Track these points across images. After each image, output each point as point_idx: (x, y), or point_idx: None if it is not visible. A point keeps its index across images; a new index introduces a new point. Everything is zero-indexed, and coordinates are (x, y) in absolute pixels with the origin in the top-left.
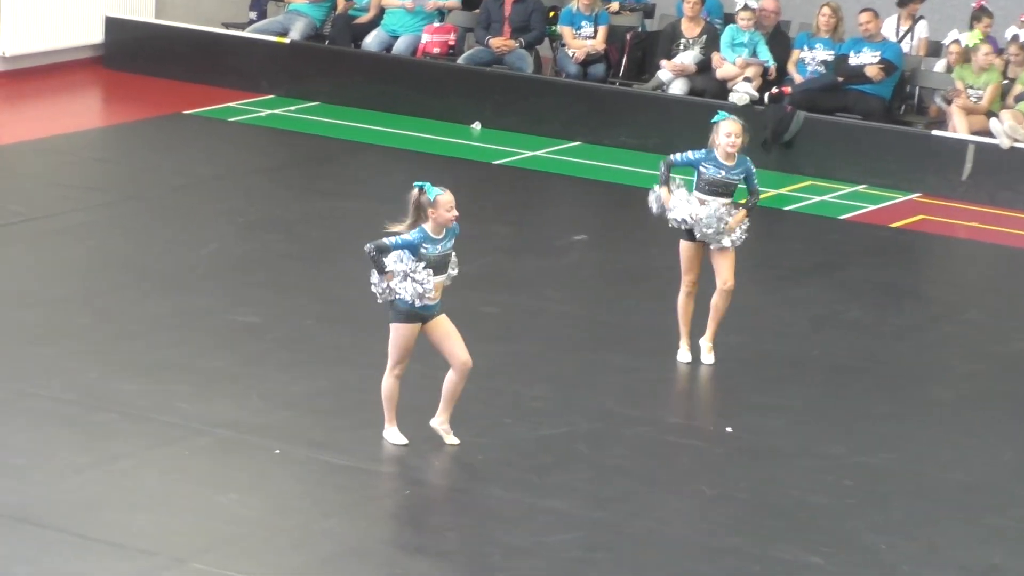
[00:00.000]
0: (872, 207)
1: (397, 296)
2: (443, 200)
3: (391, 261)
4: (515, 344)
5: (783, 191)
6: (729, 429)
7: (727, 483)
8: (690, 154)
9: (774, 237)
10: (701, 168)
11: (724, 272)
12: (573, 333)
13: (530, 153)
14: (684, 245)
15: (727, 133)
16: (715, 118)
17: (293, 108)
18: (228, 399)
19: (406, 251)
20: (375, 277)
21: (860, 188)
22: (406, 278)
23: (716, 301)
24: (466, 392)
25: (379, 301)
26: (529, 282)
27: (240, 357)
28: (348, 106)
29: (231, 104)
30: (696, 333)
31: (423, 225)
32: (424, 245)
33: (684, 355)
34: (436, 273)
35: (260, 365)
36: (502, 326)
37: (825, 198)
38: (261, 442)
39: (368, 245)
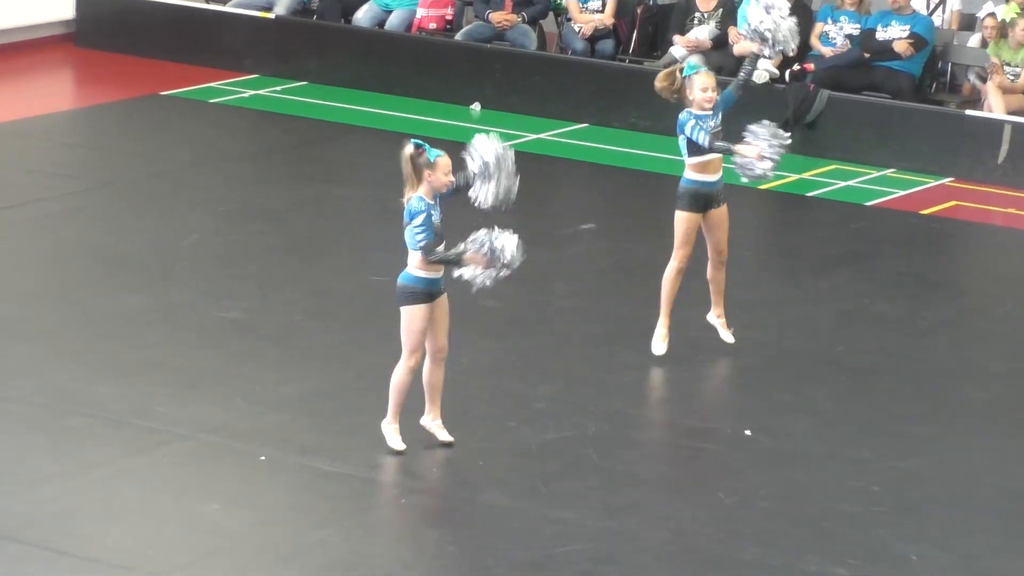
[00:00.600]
0: (901, 192)
1: (505, 270)
2: (443, 162)
3: (465, 245)
4: (520, 341)
5: (806, 176)
6: (748, 432)
7: (747, 490)
8: (686, 126)
9: (796, 225)
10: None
11: (721, 242)
12: (582, 329)
13: (534, 136)
14: (685, 216)
15: (703, 88)
16: (686, 71)
17: (279, 88)
18: (212, 401)
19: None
20: (467, 272)
21: (888, 172)
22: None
23: (714, 275)
24: (467, 393)
25: (487, 284)
26: (534, 274)
27: (224, 356)
28: (338, 86)
29: (212, 84)
30: (678, 315)
31: (419, 193)
32: (431, 213)
33: (659, 346)
34: (438, 243)
35: (246, 364)
36: (506, 322)
37: (851, 183)
38: (247, 448)
39: (430, 256)
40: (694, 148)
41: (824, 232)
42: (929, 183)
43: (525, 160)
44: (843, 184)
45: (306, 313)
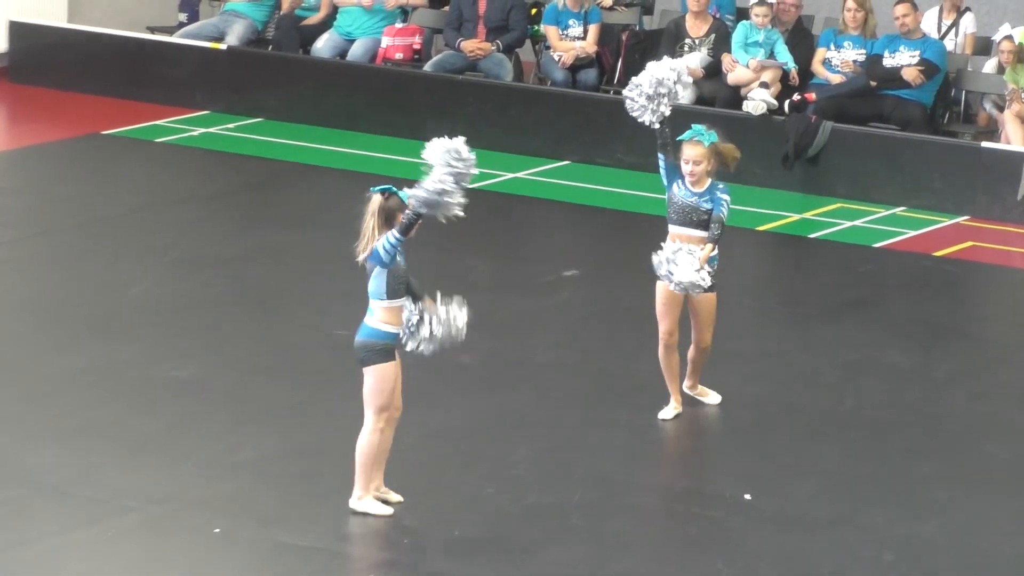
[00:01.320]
0: (913, 233)
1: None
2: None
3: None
4: (497, 399)
5: (808, 215)
6: (749, 496)
7: (747, 559)
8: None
9: (799, 269)
10: (674, 187)
11: (702, 331)
12: (565, 385)
13: (511, 175)
14: (657, 287)
15: (685, 160)
16: (681, 135)
17: (232, 126)
18: (159, 469)
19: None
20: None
21: (898, 211)
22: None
23: (694, 357)
24: (440, 457)
25: (404, 341)
26: (513, 326)
27: (172, 419)
28: (296, 122)
29: (158, 122)
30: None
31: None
32: (398, 255)
33: (667, 412)
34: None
35: (196, 428)
36: (482, 378)
37: (857, 223)
38: (199, 519)
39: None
40: (668, 209)
41: (829, 276)
42: (943, 222)
43: (502, 200)
44: (849, 224)
45: (262, 371)
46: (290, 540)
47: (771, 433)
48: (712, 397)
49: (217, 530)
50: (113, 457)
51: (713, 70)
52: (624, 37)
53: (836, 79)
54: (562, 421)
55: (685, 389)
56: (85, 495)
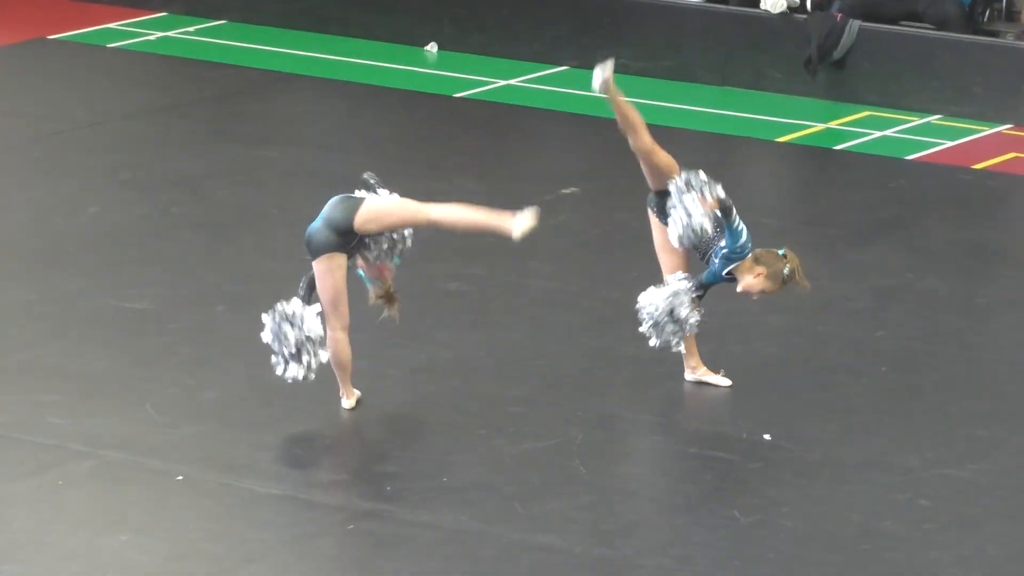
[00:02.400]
0: (950, 143)
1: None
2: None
3: None
4: (490, 332)
5: (834, 124)
6: (768, 436)
7: (767, 507)
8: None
9: (824, 185)
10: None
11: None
12: (564, 315)
13: (502, 82)
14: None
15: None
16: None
17: (192, 29)
18: (115, 411)
19: None
20: None
21: (934, 119)
22: None
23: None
24: (428, 396)
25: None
26: (506, 250)
27: (130, 356)
28: (264, 25)
29: (110, 25)
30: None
31: None
32: None
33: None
34: None
35: (157, 366)
36: (473, 308)
37: (888, 133)
38: (160, 467)
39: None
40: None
41: (858, 193)
42: (983, 131)
43: (492, 111)
44: (879, 134)
45: (229, 302)
46: (261, 489)
47: (794, 368)
48: (722, 379)
49: (180, 478)
50: (63, 398)
51: None
52: None
53: None
54: (561, 356)
55: (690, 374)
56: (32, 440)
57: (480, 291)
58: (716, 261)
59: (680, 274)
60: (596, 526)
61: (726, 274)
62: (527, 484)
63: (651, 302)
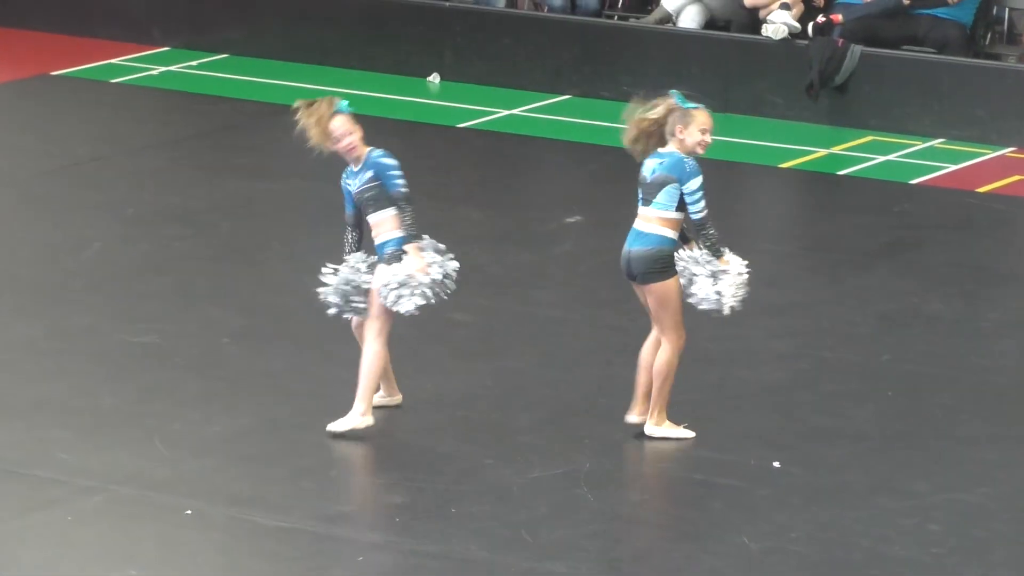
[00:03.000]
0: (953, 167)
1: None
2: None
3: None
4: (496, 361)
5: (837, 150)
6: (777, 464)
7: (776, 533)
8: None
9: (828, 210)
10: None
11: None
12: (570, 344)
13: (505, 112)
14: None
15: (703, 127)
16: (681, 101)
17: (194, 63)
18: (123, 446)
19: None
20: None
21: (936, 143)
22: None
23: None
24: (434, 425)
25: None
26: (511, 280)
27: (137, 390)
28: (265, 58)
29: (113, 61)
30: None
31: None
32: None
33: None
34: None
35: (163, 400)
36: (478, 338)
37: (891, 157)
38: (168, 500)
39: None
40: (683, 204)
41: (861, 218)
42: (986, 154)
43: (495, 140)
44: (882, 159)
45: (233, 335)
46: (269, 522)
47: (800, 393)
48: (683, 432)
49: (188, 512)
50: (71, 433)
51: None
52: None
53: None
54: (567, 384)
55: (635, 417)
56: (40, 475)
57: (486, 321)
58: None
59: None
60: (604, 554)
61: None
62: (535, 512)
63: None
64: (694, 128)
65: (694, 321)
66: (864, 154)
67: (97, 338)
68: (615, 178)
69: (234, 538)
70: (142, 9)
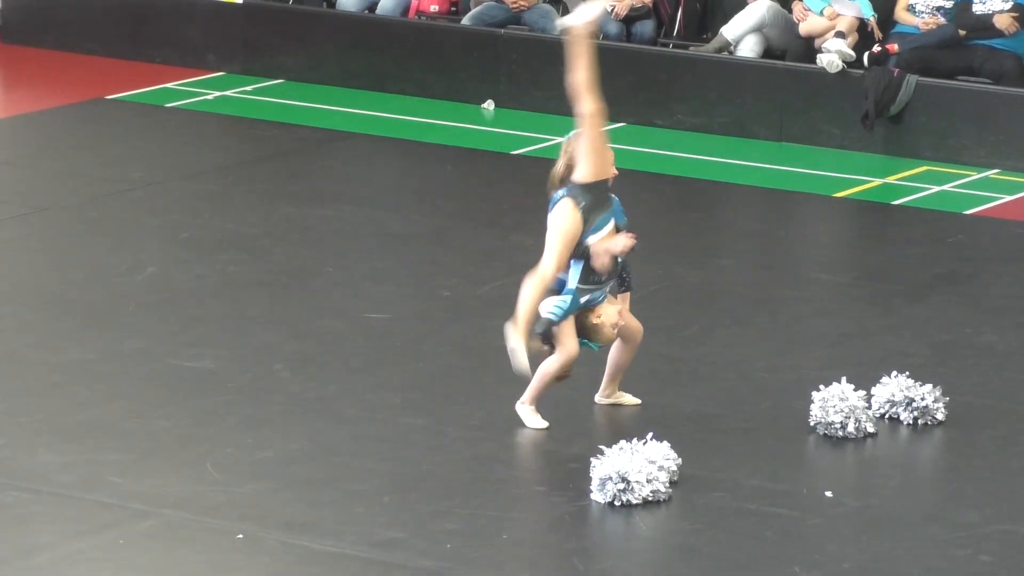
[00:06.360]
0: (1008, 197)
1: None
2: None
3: None
4: (549, 389)
5: (891, 180)
6: (830, 493)
7: (828, 563)
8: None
9: (882, 240)
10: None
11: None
12: (625, 373)
13: (559, 139)
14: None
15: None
16: None
17: (250, 88)
18: (175, 470)
19: None
20: None
21: (992, 173)
22: None
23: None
24: (487, 452)
25: None
26: None
27: (190, 415)
28: (321, 84)
29: (168, 85)
30: (729, 354)
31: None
32: None
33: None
34: None
35: (216, 425)
36: (530, 365)
37: (946, 187)
38: (220, 525)
39: None
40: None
41: (916, 248)
42: None
43: (549, 167)
44: (937, 189)
45: (287, 360)
46: (320, 547)
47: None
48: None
49: (240, 536)
50: (123, 457)
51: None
52: None
53: (924, 24)
54: (618, 412)
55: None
56: (92, 499)
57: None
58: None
59: None
60: None
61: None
62: (587, 541)
63: None
64: None
65: (749, 351)
66: (919, 184)
67: (150, 362)
68: (669, 206)
69: (285, 563)
70: (198, 34)
